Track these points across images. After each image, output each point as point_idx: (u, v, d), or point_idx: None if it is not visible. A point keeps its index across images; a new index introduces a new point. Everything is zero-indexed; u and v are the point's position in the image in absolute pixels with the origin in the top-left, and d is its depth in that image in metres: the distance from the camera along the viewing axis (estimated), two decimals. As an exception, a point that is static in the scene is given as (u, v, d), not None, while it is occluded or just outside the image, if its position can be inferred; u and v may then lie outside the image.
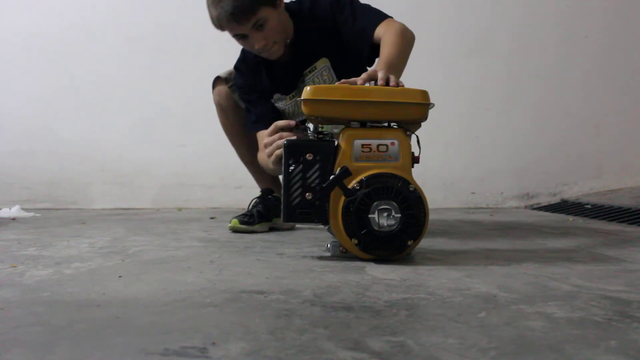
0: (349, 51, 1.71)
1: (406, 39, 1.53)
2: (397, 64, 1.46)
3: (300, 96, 1.79)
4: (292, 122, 1.35)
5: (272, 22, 1.63)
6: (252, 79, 1.82)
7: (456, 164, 2.97)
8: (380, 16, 1.64)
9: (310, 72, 1.77)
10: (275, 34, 1.66)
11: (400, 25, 1.57)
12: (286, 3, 1.76)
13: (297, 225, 1.92)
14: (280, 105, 1.83)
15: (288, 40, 1.73)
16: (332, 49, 1.74)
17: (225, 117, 1.94)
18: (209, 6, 1.64)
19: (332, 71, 1.77)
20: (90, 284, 1.00)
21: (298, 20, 1.75)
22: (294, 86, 1.80)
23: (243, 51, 1.82)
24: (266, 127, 1.75)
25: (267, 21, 1.62)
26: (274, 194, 1.90)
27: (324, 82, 1.75)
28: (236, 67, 1.86)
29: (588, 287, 0.97)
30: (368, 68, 1.82)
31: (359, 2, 1.72)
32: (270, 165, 1.42)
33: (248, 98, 1.83)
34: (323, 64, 1.76)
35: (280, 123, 1.37)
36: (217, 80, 1.92)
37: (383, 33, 1.56)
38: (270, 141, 1.37)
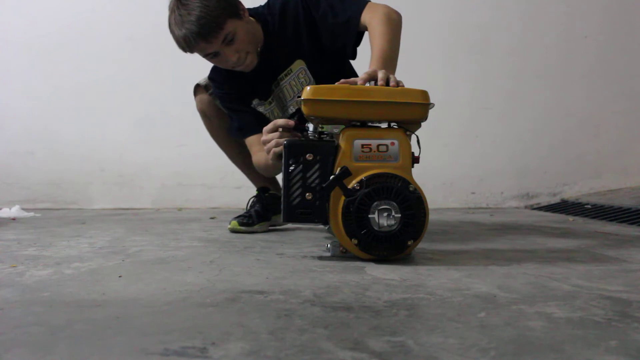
0: (329, 48, 1.65)
1: (393, 24, 1.47)
2: (392, 58, 1.42)
3: (277, 101, 1.79)
4: (291, 122, 1.35)
5: (241, 34, 1.59)
6: (229, 88, 1.78)
7: (456, 164, 2.97)
8: (359, 3, 1.56)
9: (285, 75, 1.73)
10: (246, 45, 1.62)
11: (384, 9, 1.50)
12: (254, 9, 1.72)
13: (297, 225, 1.92)
14: (260, 109, 1.80)
15: (259, 48, 1.69)
16: (307, 50, 1.69)
17: (210, 124, 1.93)
18: (171, 29, 1.59)
19: (308, 73, 1.72)
20: (90, 284, 1.00)
21: (267, 25, 1.70)
22: (270, 91, 1.77)
23: None
24: (250, 134, 1.73)
25: (235, 34, 1.58)
26: (271, 192, 1.89)
27: (301, 85, 1.71)
28: (210, 77, 1.83)
29: (588, 287, 0.97)
30: (350, 62, 1.80)
31: None
32: (270, 162, 1.41)
33: (228, 106, 1.80)
34: (299, 66, 1.72)
35: (280, 121, 1.36)
36: (198, 88, 1.89)
37: (368, 22, 1.49)
38: (269, 138, 1.36)
